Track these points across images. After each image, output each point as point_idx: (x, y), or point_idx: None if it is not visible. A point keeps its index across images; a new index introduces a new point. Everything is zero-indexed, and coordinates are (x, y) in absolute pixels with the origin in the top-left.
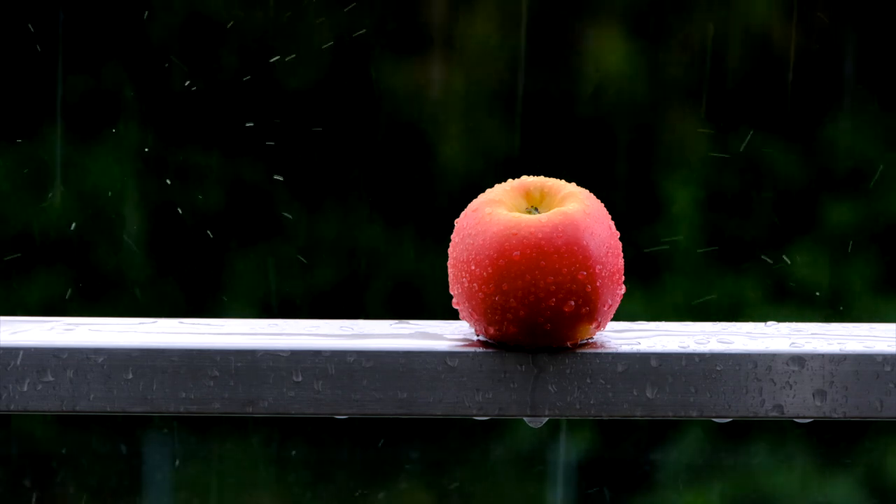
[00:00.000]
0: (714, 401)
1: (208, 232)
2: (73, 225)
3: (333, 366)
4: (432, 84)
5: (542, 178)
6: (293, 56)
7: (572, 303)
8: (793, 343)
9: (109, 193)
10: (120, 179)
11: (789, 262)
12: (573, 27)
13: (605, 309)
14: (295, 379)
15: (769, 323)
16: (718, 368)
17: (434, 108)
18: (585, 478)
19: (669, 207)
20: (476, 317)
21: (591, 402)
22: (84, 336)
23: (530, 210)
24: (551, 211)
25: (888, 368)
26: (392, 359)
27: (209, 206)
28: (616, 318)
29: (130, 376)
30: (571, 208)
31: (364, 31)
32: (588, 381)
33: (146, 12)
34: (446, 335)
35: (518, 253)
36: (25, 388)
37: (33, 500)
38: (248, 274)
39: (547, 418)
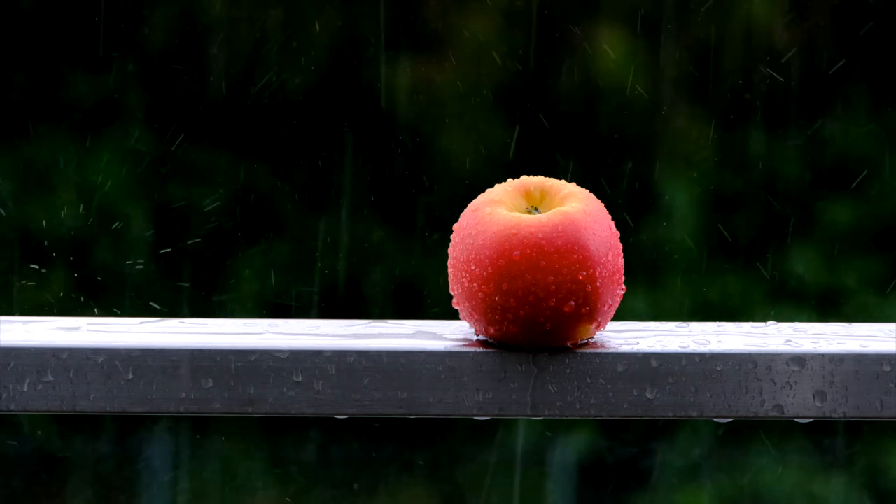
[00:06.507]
0: (714, 401)
1: (209, 232)
2: (74, 225)
3: (333, 366)
4: (432, 84)
5: (542, 178)
6: (293, 56)
7: (572, 303)
8: (793, 343)
9: (110, 193)
10: (121, 179)
11: (789, 261)
12: (573, 26)
13: (605, 309)
14: (295, 379)
15: (769, 323)
16: (718, 368)
17: (434, 108)
18: (585, 478)
19: (669, 207)
20: (476, 317)
21: (591, 402)
22: (84, 336)
23: (530, 210)
24: (551, 211)
25: (888, 368)
26: (392, 359)
27: (210, 206)
28: (616, 318)
29: (130, 376)
30: (571, 208)
31: (364, 31)
32: (588, 381)
33: (148, 12)
34: (446, 335)
35: (518, 253)
36: (25, 388)
37: (33, 500)
38: (248, 274)
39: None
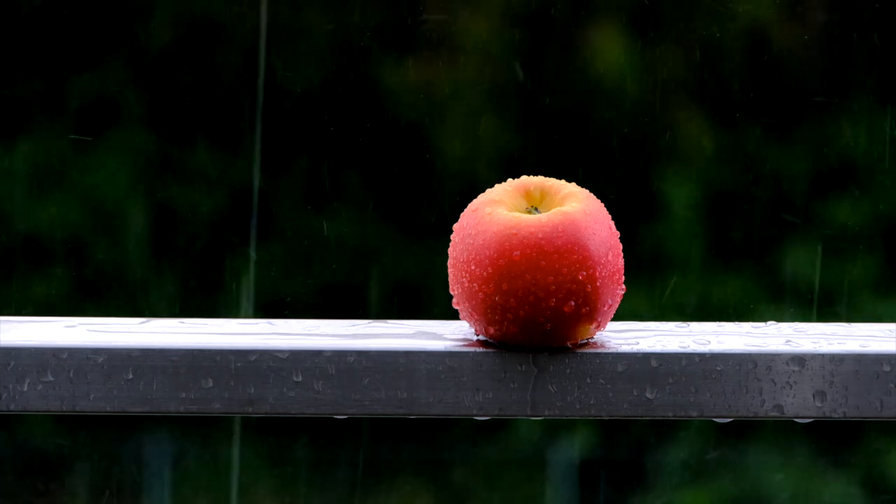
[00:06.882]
0: (714, 401)
1: (208, 231)
2: (74, 225)
3: (333, 366)
4: (432, 84)
5: (541, 177)
6: (293, 56)
7: (572, 303)
8: (793, 343)
9: (110, 193)
10: (121, 180)
11: (789, 262)
12: (573, 26)
13: (605, 309)
14: (295, 379)
15: (769, 323)
16: (718, 368)
17: (434, 108)
18: (585, 478)
19: (669, 207)
20: (476, 317)
21: (591, 402)
22: (84, 336)
23: (530, 210)
24: (551, 211)
25: (888, 368)
26: (392, 359)
27: (210, 207)
28: (616, 318)
29: (130, 376)
30: (572, 208)
31: (364, 30)
32: (588, 381)
33: (149, 12)
34: (446, 335)
35: (518, 253)
36: (25, 388)
37: (34, 500)
38: (248, 274)
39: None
